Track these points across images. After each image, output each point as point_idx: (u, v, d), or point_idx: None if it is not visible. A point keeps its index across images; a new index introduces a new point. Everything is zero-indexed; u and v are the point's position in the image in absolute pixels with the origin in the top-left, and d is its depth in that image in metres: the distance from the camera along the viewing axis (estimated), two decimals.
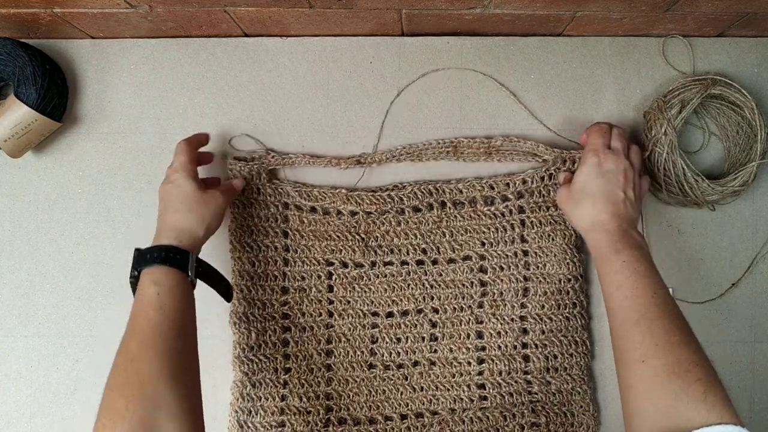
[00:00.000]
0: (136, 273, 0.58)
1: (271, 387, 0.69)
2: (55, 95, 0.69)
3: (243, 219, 0.70)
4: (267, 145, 0.73)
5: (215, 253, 0.72)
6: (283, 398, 0.69)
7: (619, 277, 0.57)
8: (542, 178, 0.70)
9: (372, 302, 0.71)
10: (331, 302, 0.71)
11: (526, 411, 0.69)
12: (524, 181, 0.71)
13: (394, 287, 0.70)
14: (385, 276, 0.70)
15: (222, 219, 0.65)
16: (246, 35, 0.74)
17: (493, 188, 0.71)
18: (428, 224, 0.71)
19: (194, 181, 0.63)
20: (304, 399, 0.69)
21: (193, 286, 0.61)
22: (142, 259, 0.58)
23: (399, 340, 0.71)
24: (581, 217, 0.63)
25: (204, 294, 0.72)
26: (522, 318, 0.70)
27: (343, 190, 0.71)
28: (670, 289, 0.71)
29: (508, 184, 0.71)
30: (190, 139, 0.67)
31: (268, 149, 0.72)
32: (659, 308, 0.54)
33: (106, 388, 0.51)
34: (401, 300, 0.70)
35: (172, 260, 0.58)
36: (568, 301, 0.70)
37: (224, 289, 0.66)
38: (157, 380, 0.51)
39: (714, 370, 0.51)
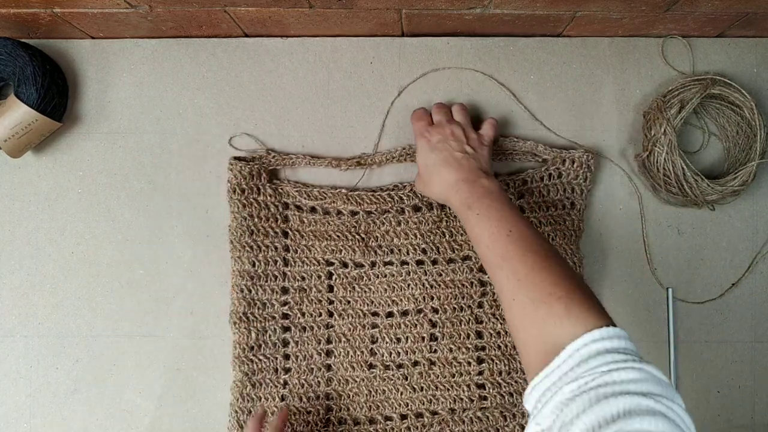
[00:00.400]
0: None
1: (271, 387, 0.69)
2: (55, 95, 0.69)
3: (243, 219, 0.70)
4: (267, 145, 0.73)
5: (215, 253, 0.72)
6: (283, 398, 0.69)
7: (477, 230, 0.58)
8: (542, 178, 0.71)
9: (372, 302, 0.71)
10: (331, 302, 0.71)
11: (525, 411, 0.69)
12: (524, 182, 0.71)
13: (394, 287, 0.70)
14: (385, 276, 0.70)
15: None
16: (246, 35, 0.74)
17: None
18: (428, 224, 0.71)
19: None
20: (304, 399, 0.69)
21: None
22: None
23: (399, 340, 0.71)
24: (436, 192, 0.65)
25: (204, 294, 0.72)
26: None
27: (344, 190, 0.71)
28: (669, 290, 0.72)
29: (507, 184, 0.71)
30: (258, 413, 0.64)
31: (269, 149, 0.72)
32: (516, 245, 0.55)
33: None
34: (401, 300, 0.70)
35: None
36: None
37: None
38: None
39: (578, 280, 0.51)
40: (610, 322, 0.48)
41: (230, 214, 0.70)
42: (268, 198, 0.71)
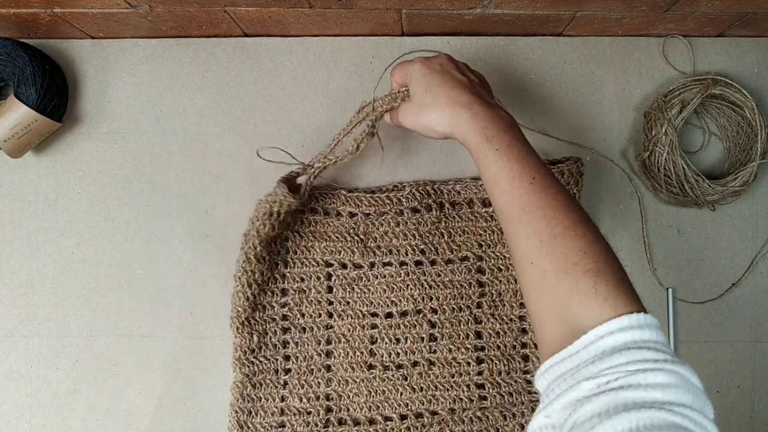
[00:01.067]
0: None
1: (272, 387, 0.69)
2: (55, 95, 0.69)
3: (265, 239, 0.68)
4: (265, 144, 0.71)
5: (215, 253, 0.72)
6: (283, 399, 0.69)
7: (493, 169, 0.50)
8: None
9: (371, 303, 0.71)
10: (330, 303, 0.71)
11: (525, 411, 0.69)
12: None
13: (393, 288, 0.70)
14: (384, 277, 0.70)
15: None
16: (246, 35, 0.74)
17: None
18: (427, 225, 0.71)
19: None
20: (304, 399, 0.69)
21: None
22: None
23: (398, 340, 0.71)
24: (439, 117, 0.54)
25: (204, 294, 0.72)
26: (521, 318, 0.70)
27: (342, 191, 0.71)
28: (669, 290, 0.72)
29: None
30: None
31: (307, 165, 0.66)
32: (540, 196, 0.47)
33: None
34: (400, 300, 0.70)
35: None
36: None
37: None
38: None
39: (609, 252, 0.45)
40: (641, 308, 0.41)
41: (254, 230, 0.65)
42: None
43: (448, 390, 0.70)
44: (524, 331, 0.70)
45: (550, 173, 0.49)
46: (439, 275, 0.71)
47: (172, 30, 0.72)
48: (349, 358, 0.70)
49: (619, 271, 0.44)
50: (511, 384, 0.70)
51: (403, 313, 0.71)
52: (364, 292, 0.70)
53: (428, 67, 0.56)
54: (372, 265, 0.70)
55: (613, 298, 0.41)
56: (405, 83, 0.60)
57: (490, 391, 0.70)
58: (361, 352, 0.70)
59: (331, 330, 0.71)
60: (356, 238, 0.70)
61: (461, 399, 0.70)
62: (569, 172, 0.69)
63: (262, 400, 0.69)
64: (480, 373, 0.70)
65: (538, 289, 0.45)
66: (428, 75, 0.55)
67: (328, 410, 0.70)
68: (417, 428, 0.69)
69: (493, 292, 0.71)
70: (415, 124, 0.57)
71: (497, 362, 0.70)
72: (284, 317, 0.70)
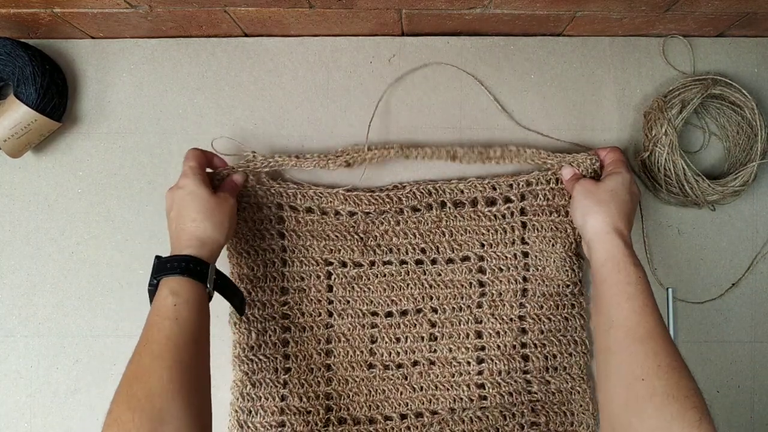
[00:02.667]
0: (155, 281, 0.58)
1: (271, 387, 0.69)
2: (54, 95, 0.69)
3: (238, 224, 0.69)
4: (265, 144, 0.72)
5: None
6: (283, 398, 0.69)
7: (632, 289, 0.56)
8: (548, 181, 0.70)
9: (371, 302, 0.71)
10: (330, 302, 0.71)
11: (525, 410, 0.69)
12: (528, 183, 0.70)
13: (393, 287, 0.70)
14: (384, 276, 0.70)
15: (235, 220, 0.64)
16: (246, 35, 0.74)
17: (495, 189, 0.71)
18: (427, 224, 0.71)
19: (207, 187, 0.62)
20: (304, 399, 0.69)
21: (210, 298, 0.60)
22: (162, 268, 0.58)
23: (398, 339, 0.71)
24: (603, 216, 0.61)
25: None
26: (521, 318, 0.70)
27: (341, 190, 0.70)
28: (669, 290, 0.71)
29: (511, 185, 0.70)
30: (200, 150, 0.66)
31: (254, 152, 0.69)
32: (663, 329, 0.54)
33: (114, 397, 0.51)
34: (400, 300, 0.70)
35: (192, 271, 0.57)
36: (566, 302, 0.70)
37: (238, 302, 0.65)
38: (167, 394, 0.50)
39: (705, 402, 0.51)
40: None
41: None
42: (260, 200, 0.70)
43: (448, 389, 0.70)
44: (524, 331, 0.70)
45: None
46: (440, 274, 0.71)
47: (172, 30, 0.72)
48: (349, 357, 0.70)
49: (711, 416, 0.50)
50: (511, 384, 0.70)
51: (404, 313, 0.71)
52: (364, 291, 0.70)
53: (630, 185, 0.63)
54: (372, 263, 0.70)
55: None
56: (609, 165, 0.66)
57: (490, 390, 0.70)
58: (361, 352, 0.70)
59: (331, 329, 0.71)
60: (356, 236, 0.70)
61: (461, 398, 0.70)
62: (584, 166, 0.67)
63: (262, 399, 0.69)
64: (480, 373, 0.70)
65: (641, 404, 0.50)
66: (624, 191, 0.62)
67: (328, 409, 0.70)
68: (417, 428, 0.69)
69: (494, 292, 0.71)
70: (582, 200, 0.63)
71: (497, 362, 0.70)
72: (284, 316, 0.70)
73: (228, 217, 0.63)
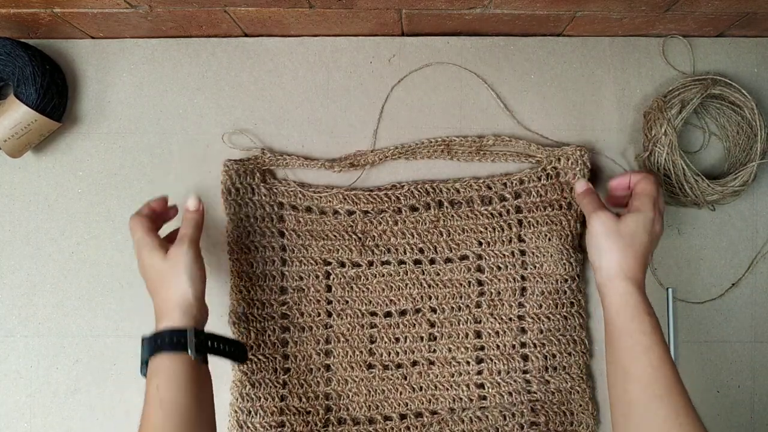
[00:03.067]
0: (144, 369, 0.57)
1: (271, 387, 0.69)
2: (54, 95, 0.69)
3: (239, 220, 0.70)
4: (264, 144, 0.73)
5: (215, 252, 0.72)
6: (282, 398, 0.70)
7: (647, 339, 0.55)
8: (539, 178, 0.70)
9: (370, 302, 0.71)
10: (329, 302, 0.71)
11: (525, 410, 0.69)
12: (521, 181, 0.71)
13: (392, 287, 0.70)
14: (383, 275, 0.70)
15: (201, 263, 0.62)
16: (246, 35, 0.74)
17: (490, 188, 0.71)
18: (425, 224, 0.71)
19: (158, 252, 0.60)
20: (304, 399, 0.69)
21: (204, 361, 0.59)
22: (143, 349, 0.57)
23: (397, 339, 0.71)
24: (619, 261, 0.59)
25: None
26: (520, 317, 0.70)
27: (340, 190, 0.71)
28: (669, 290, 0.71)
29: (505, 184, 0.71)
30: (141, 211, 0.64)
31: (264, 148, 0.72)
32: (681, 385, 0.53)
33: None
34: (399, 300, 0.70)
35: (168, 345, 0.56)
36: (565, 301, 0.70)
37: (237, 352, 0.63)
38: None
39: None
40: None
41: (226, 216, 0.70)
42: (263, 198, 0.71)
43: (447, 389, 0.70)
44: (523, 330, 0.70)
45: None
46: (438, 274, 0.71)
47: (172, 30, 0.72)
48: (349, 357, 0.70)
49: None
50: (511, 384, 0.70)
51: (402, 313, 0.71)
52: (363, 291, 0.70)
53: (652, 226, 0.60)
54: (370, 263, 0.71)
55: None
56: (636, 198, 0.62)
57: (490, 390, 0.70)
58: (361, 352, 0.70)
59: (330, 329, 0.71)
60: (354, 236, 0.70)
61: (461, 398, 0.70)
62: (573, 158, 0.69)
63: (261, 399, 0.69)
64: (479, 373, 0.70)
65: None
66: (644, 233, 0.59)
67: (328, 410, 0.70)
68: (417, 428, 0.69)
69: (493, 291, 0.71)
70: (602, 240, 0.60)
71: (497, 362, 0.70)
72: (283, 316, 0.70)
73: (187, 270, 0.59)
